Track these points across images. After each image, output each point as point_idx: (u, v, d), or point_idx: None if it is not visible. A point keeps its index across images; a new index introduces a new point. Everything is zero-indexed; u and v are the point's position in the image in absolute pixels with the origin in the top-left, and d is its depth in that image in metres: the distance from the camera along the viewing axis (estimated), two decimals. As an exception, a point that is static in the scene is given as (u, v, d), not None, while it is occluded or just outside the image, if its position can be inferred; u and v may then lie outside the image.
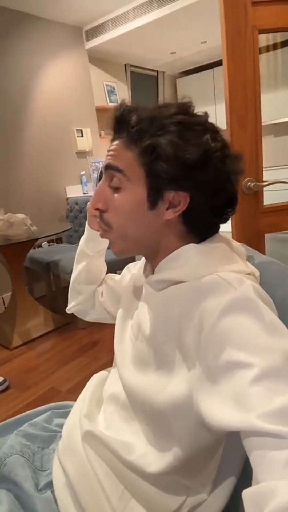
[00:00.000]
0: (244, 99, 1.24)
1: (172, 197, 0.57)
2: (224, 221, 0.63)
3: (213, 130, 0.58)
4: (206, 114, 0.60)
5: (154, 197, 0.57)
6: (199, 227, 0.61)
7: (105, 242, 0.87)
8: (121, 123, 0.59)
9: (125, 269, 0.87)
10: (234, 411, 0.43)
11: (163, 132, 0.55)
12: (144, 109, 0.58)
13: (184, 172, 0.55)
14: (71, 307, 0.92)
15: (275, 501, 0.35)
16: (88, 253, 0.87)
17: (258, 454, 0.40)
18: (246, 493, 0.39)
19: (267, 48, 3.70)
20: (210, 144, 0.55)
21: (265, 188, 1.33)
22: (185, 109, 0.58)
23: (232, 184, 0.59)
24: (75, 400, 0.81)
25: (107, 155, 0.61)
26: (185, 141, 0.54)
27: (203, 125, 0.57)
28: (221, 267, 0.56)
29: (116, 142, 0.60)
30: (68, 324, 2.68)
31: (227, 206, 0.61)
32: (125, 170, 0.58)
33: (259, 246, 1.36)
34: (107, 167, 0.61)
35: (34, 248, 3.05)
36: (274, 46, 3.76)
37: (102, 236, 0.66)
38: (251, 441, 0.41)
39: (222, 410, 0.44)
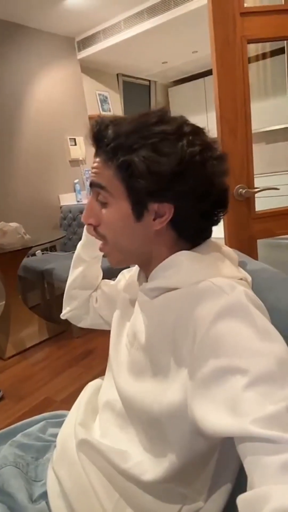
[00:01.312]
0: (234, 108, 1.26)
1: (157, 208, 0.57)
2: (216, 223, 0.63)
3: (191, 133, 0.56)
4: (181, 117, 0.59)
5: (138, 210, 0.58)
6: (190, 232, 0.61)
7: None
8: (98, 140, 0.59)
9: (120, 275, 0.88)
10: (228, 417, 0.43)
11: (139, 146, 0.54)
12: (122, 122, 0.58)
13: (162, 184, 0.55)
14: (65, 313, 0.92)
15: (269, 506, 0.35)
16: (85, 259, 0.87)
17: (252, 460, 0.40)
18: (240, 499, 0.39)
19: (257, 58, 3.76)
20: (186, 150, 0.54)
21: (257, 195, 1.35)
22: (161, 117, 0.57)
23: (217, 187, 0.58)
24: (70, 409, 0.80)
25: (91, 172, 0.62)
26: (158, 153, 0.54)
27: (178, 131, 0.55)
28: (213, 273, 0.56)
29: (97, 159, 0.60)
30: (62, 333, 2.66)
31: (216, 208, 0.61)
32: (107, 187, 0.59)
33: (251, 252, 1.37)
34: (91, 184, 0.62)
35: (28, 256, 3.04)
36: (265, 55, 3.83)
37: (101, 250, 0.67)
38: (245, 446, 0.41)
39: (216, 416, 0.44)
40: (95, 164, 0.60)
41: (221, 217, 0.62)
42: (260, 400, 0.41)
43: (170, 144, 0.54)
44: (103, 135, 0.58)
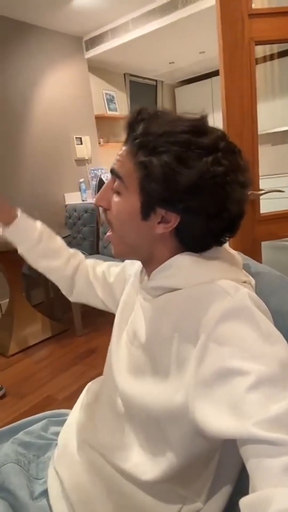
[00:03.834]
0: (241, 110, 1.25)
1: (164, 213, 0.56)
2: (220, 245, 0.61)
3: (223, 150, 0.53)
4: (219, 131, 0.56)
5: (146, 210, 0.57)
6: (193, 245, 0.60)
7: (24, 232, 0.91)
8: (129, 130, 0.59)
9: (122, 265, 0.85)
10: (230, 418, 0.43)
11: (163, 150, 0.53)
12: (156, 120, 0.56)
13: (174, 194, 0.53)
14: (69, 295, 0.93)
15: (272, 509, 0.35)
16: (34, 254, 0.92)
17: (255, 462, 0.40)
18: (243, 502, 0.39)
19: (265, 59, 3.75)
20: (209, 168, 0.52)
21: (262, 197, 1.34)
22: (196, 127, 0.54)
23: (231, 212, 0.55)
24: (71, 408, 0.81)
25: (116, 158, 0.61)
26: (181, 163, 0.52)
27: (210, 146, 0.53)
28: (217, 275, 0.56)
29: (124, 148, 0.60)
30: (65, 331, 2.66)
31: (225, 232, 0.59)
32: (124, 178, 0.58)
33: (255, 254, 1.37)
34: (112, 170, 0.61)
35: (32, 254, 3.04)
36: (272, 56, 3.81)
37: (107, 238, 0.66)
38: (247, 448, 0.41)
39: (218, 418, 0.44)
40: (120, 152, 0.60)
41: (227, 240, 0.61)
42: (263, 402, 0.41)
43: (195, 157, 0.52)
44: (134, 127, 0.57)
